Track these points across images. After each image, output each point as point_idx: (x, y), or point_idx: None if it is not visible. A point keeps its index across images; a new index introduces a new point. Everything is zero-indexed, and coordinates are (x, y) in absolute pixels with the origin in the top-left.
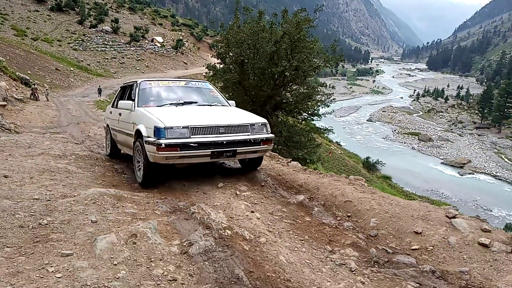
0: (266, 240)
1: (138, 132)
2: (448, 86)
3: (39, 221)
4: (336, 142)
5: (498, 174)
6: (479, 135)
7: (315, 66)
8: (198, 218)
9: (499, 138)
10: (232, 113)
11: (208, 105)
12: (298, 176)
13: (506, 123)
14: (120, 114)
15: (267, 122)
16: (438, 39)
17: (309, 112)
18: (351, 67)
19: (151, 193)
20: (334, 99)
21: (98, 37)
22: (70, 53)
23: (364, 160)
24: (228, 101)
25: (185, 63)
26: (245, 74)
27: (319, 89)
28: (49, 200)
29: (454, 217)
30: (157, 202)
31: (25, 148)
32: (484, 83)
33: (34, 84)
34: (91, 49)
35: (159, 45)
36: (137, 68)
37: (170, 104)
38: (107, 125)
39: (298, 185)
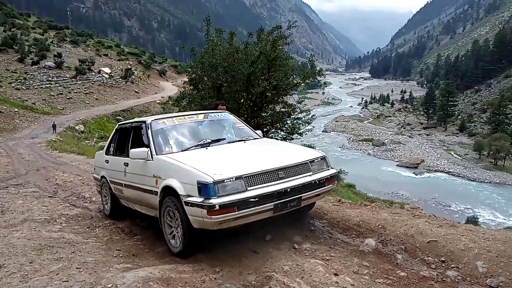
0: None
1: (167, 189)
2: (392, 91)
3: None
4: None
5: (450, 170)
6: (427, 135)
7: (295, 83)
8: None
9: (446, 136)
10: (281, 149)
11: (241, 140)
12: (347, 212)
13: (450, 121)
14: (126, 164)
15: (325, 155)
16: (377, 48)
17: (288, 132)
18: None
19: (197, 264)
20: (314, 115)
21: (42, 74)
22: (13, 93)
23: None
24: (255, 131)
25: (136, 92)
26: (223, 99)
27: (296, 106)
28: None
29: None
30: (215, 278)
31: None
32: (424, 85)
33: None
34: (35, 87)
35: (107, 76)
36: (86, 102)
37: (195, 146)
38: (102, 176)
39: (354, 225)
